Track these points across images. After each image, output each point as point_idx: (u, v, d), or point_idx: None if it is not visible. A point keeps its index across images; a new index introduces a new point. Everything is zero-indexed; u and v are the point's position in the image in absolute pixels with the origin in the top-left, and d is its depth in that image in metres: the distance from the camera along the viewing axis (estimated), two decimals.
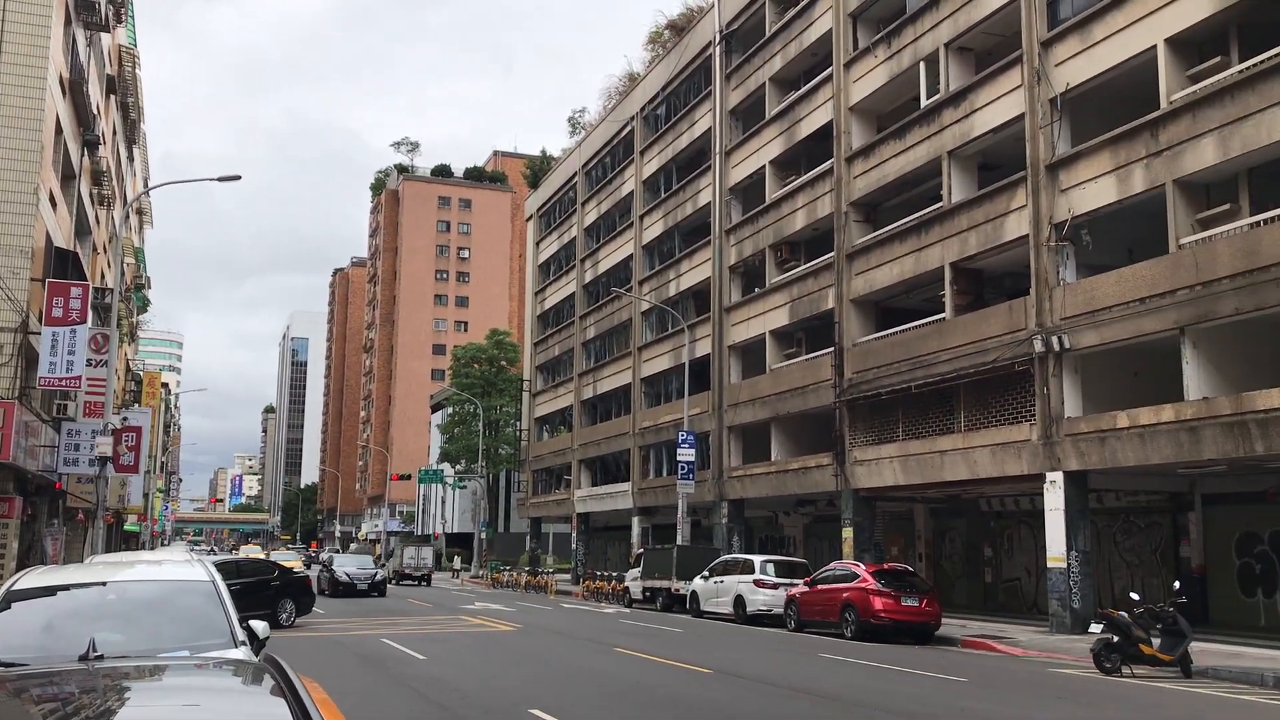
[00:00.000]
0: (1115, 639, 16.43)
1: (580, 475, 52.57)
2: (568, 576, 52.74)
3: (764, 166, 36.95)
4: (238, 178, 28.00)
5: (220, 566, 14.15)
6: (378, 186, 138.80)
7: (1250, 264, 18.98)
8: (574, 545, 53.64)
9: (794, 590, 25.40)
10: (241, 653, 5.73)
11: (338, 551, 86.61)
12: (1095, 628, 17.36)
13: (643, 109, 48.21)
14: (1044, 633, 22.94)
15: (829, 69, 33.12)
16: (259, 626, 6.36)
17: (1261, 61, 19.29)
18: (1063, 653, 19.30)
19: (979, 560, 32.75)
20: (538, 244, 63.13)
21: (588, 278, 53.93)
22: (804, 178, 34.46)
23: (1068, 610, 22.76)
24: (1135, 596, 17.54)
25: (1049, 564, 23.44)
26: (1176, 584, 18.64)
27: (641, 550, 38.55)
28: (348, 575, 37.46)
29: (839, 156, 32.03)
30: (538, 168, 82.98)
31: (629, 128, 49.62)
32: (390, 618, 26.97)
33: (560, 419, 58.22)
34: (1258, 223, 19.33)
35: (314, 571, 37.58)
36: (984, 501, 31.35)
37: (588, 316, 53.32)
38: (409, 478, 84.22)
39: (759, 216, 37.02)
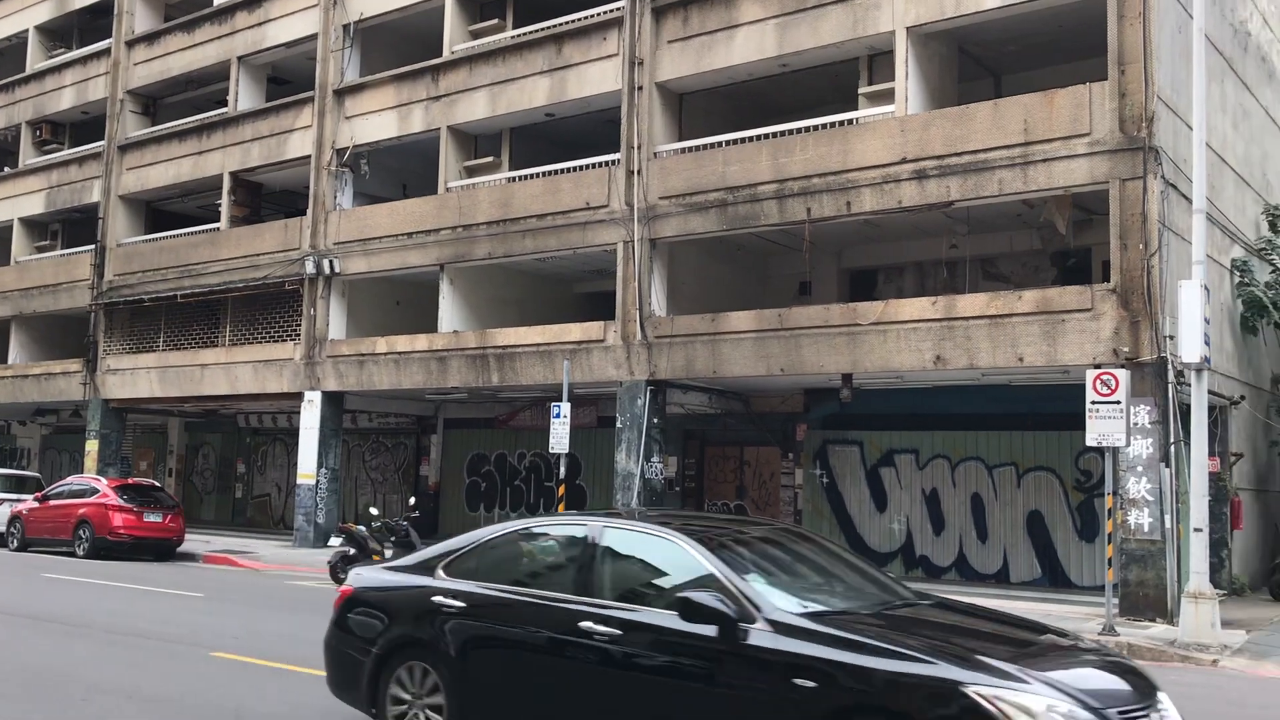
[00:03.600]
0: (352, 551, 17.35)
1: None
2: None
3: (28, 30, 32.41)
4: None
5: None
6: None
7: (504, 214, 21.06)
8: None
9: (20, 507, 23.10)
10: None
11: None
12: (335, 541, 18.25)
13: None
14: (288, 547, 23.50)
15: None
16: None
17: (529, 32, 21.38)
18: (304, 565, 19.95)
19: (232, 476, 32.62)
20: None
21: None
22: (76, 52, 30.89)
23: (312, 525, 23.54)
24: (375, 511, 18.70)
25: (299, 480, 24.01)
26: (411, 499, 20.24)
27: None
28: None
29: (119, 38, 29.21)
30: None
31: None
32: None
33: None
34: (513, 178, 21.50)
35: None
36: (242, 418, 31.15)
37: None
38: None
39: (17, 86, 32.43)
